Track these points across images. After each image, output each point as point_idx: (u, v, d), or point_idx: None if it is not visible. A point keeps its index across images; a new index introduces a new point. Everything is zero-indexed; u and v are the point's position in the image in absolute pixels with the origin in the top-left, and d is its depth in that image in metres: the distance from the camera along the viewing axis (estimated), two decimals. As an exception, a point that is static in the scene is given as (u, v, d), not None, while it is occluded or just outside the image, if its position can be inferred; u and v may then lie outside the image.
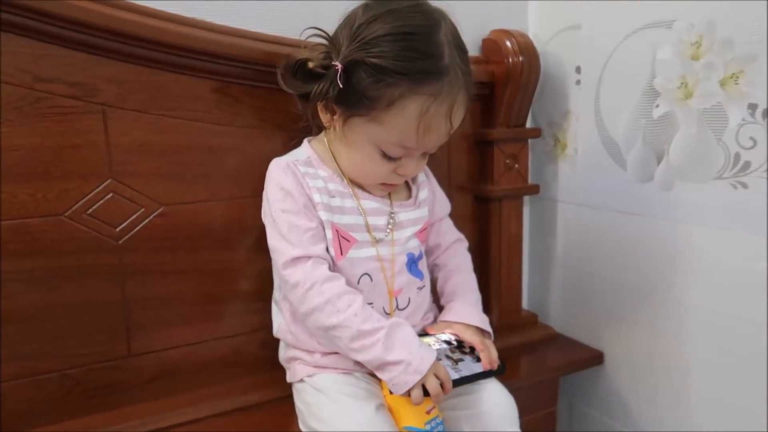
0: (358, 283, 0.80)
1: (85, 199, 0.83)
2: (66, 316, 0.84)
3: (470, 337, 0.83)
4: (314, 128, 0.87)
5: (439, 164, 1.11)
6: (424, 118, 0.71)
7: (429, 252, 0.94)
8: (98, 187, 0.84)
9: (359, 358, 0.75)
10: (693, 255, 0.96)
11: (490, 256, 1.17)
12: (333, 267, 0.80)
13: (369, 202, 0.82)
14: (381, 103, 0.71)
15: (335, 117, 0.77)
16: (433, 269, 0.94)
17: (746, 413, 0.92)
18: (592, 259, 1.16)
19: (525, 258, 1.27)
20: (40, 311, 0.82)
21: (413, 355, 0.73)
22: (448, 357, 0.81)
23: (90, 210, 0.84)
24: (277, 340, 0.92)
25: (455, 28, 0.76)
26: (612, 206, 1.09)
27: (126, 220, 0.87)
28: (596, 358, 1.15)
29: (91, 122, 0.83)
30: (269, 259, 0.84)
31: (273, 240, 0.79)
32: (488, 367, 0.81)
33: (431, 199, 0.91)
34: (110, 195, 0.85)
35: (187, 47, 0.84)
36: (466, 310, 0.87)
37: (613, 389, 1.15)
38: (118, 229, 0.86)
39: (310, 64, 0.75)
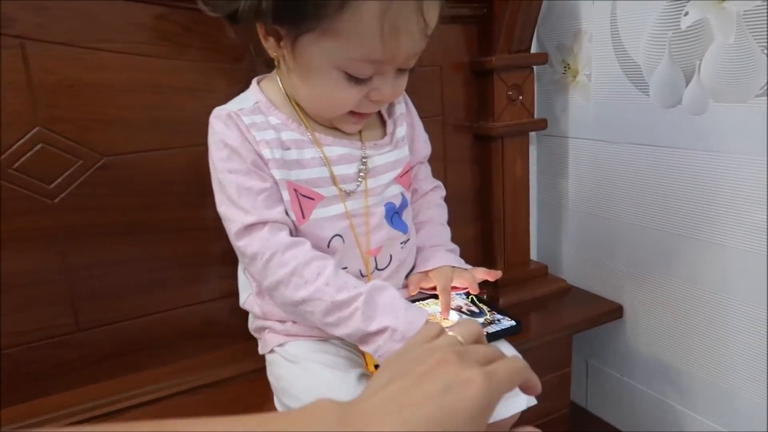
0: (329, 246, 0.68)
1: (9, 152, 0.72)
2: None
3: (455, 279, 0.72)
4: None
5: (430, 99, 0.98)
6: (387, 18, 0.56)
7: None
8: (24, 137, 0.72)
9: (338, 332, 0.64)
10: (731, 191, 0.83)
11: (492, 201, 1.04)
12: (296, 232, 0.67)
13: (334, 149, 0.69)
14: (331, 8, 0.55)
15: (282, 43, 0.63)
16: None
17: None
18: (610, 201, 1.02)
19: (533, 203, 1.15)
20: (-36, 284, 0.71)
21: (399, 320, 0.62)
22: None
23: (16, 164, 0.72)
24: (251, 307, 0.81)
25: None
26: (633, 139, 0.95)
27: (61, 175, 0.75)
28: (615, 312, 1.04)
29: (7, 59, 0.70)
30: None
31: (222, 206, 0.67)
32: (475, 290, 0.72)
33: (410, 135, 0.77)
34: (39, 146, 0.73)
35: (114, -39, 0.70)
36: (437, 256, 0.75)
37: (633, 346, 1.04)
38: (52, 186, 0.75)
39: None
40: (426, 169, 0.83)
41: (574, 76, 1.03)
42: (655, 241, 0.96)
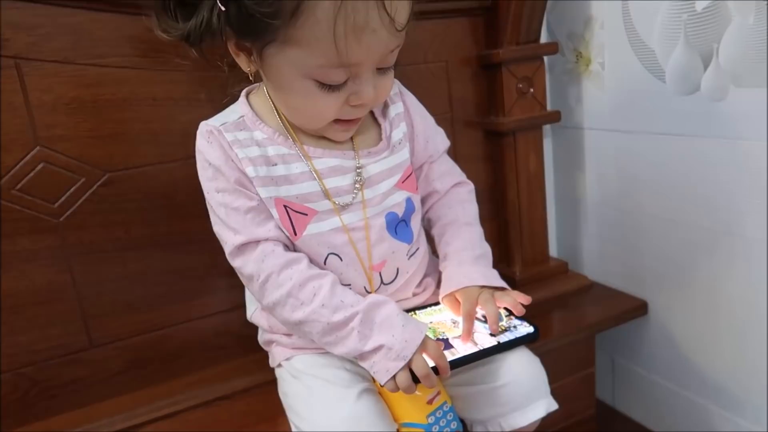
0: (325, 264, 0.66)
1: (10, 173, 0.72)
2: (10, 309, 0.74)
3: (480, 305, 0.66)
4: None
5: (437, 96, 0.95)
6: (343, 18, 0.52)
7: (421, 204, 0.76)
8: (25, 157, 0.72)
9: (336, 351, 0.62)
10: (756, 180, 0.78)
11: (507, 199, 1.01)
12: (291, 247, 0.65)
13: (325, 161, 0.66)
14: (284, 16, 0.52)
15: (252, 57, 0.60)
16: (426, 225, 0.77)
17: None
18: (630, 193, 0.98)
19: (550, 198, 1.11)
20: (-25, 307, 0.72)
21: (396, 338, 0.59)
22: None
23: (19, 185, 0.72)
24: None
25: None
26: (651, 128, 0.91)
27: (65, 194, 0.75)
28: (639, 309, 1.00)
29: (3, 80, 0.70)
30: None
31: (216, 226, 0.66)
32: (495, 329, 0.64)
33: (410, 135, 0.72)
34: (41, 165, 0.73)
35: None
36: (462, 272, 0.69)
37: (660, 344, 1.00)
38: (56, 205, 0.75)
39: None
40: (440, 167, 0.76)
41: (587, 65, 0.99)
42: (679, 234, 0.91)
